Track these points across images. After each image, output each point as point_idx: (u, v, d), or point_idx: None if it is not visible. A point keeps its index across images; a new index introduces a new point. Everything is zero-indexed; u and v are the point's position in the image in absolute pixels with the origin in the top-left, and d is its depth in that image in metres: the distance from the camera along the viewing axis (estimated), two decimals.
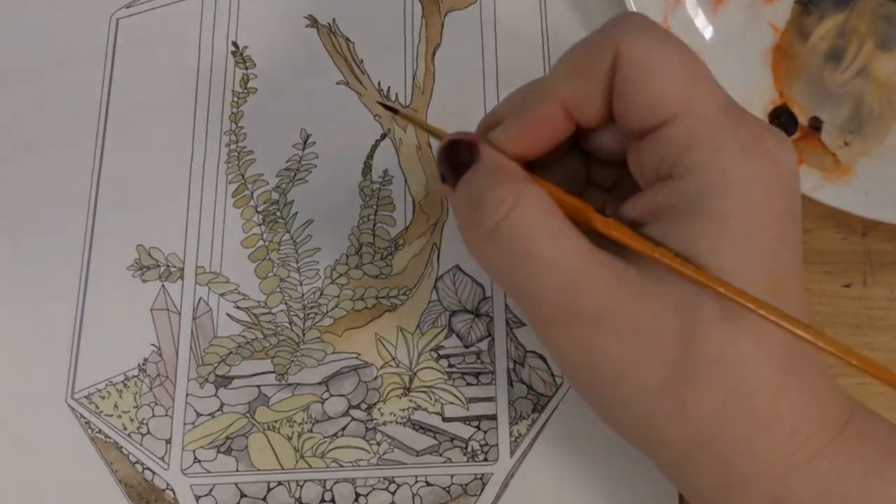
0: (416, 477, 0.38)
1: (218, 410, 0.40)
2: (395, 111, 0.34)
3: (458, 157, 0.31)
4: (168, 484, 0.39)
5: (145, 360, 0.41)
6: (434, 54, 0.45)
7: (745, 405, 0.27)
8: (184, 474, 0.39)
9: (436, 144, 0.42)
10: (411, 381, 0.40)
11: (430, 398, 0.39)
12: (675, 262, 0.27)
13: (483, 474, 0.38)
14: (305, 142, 0.43)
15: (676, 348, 0.27)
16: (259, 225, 0.43)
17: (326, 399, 0.40)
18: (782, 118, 0.42)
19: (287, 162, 0.43)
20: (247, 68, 0.45)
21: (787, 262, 0.28)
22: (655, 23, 0.29)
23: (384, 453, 0.39)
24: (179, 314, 0.41)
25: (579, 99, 0.29)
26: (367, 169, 0.43)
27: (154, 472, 0.39)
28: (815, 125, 0.42)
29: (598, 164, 0.34)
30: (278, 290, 0.41)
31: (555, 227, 0.28)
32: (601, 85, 0.29)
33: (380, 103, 0.41)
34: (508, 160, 0.31)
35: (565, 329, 0.29)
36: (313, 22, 0.46)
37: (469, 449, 0.39)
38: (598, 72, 0.29)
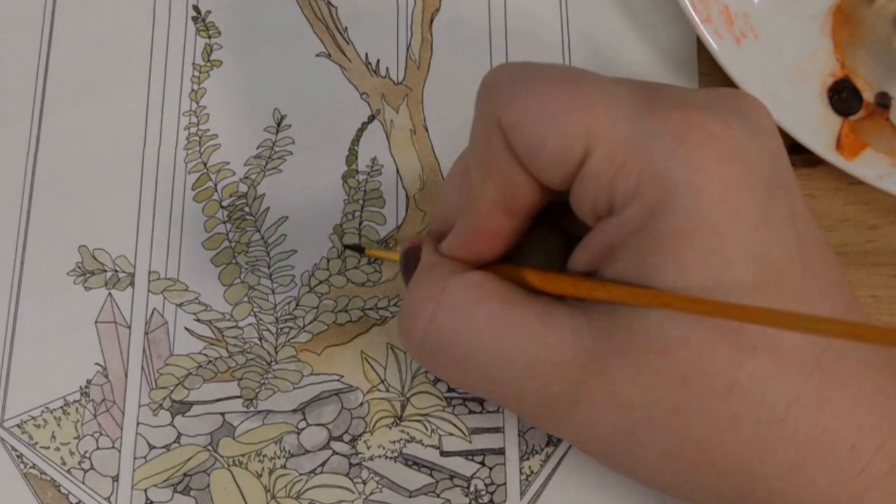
0: None
1: (174, 442, 0.40)
2: (360, 251, 0.39)
3: (412, 263, 0.34)
4: None
5: (88, 382, 0.40)
6: (432, 21, 0.44)
7: (782, 433, 0.28)
8: None
9: (434, 129, 0.42)
10: (403, 408, 0.40)
11: (426, 428, 0.39)
12: (629, 293, 0.28)
13: None
14: (279, 124, 0.43)
15: (679, 394, 0.28)
16: (224, 223, 0.42)
17: (303, 429, 0.40)
18: (844, 93, 0.42)
19: (257, 148, 0.43)
20: (210, 37, 0.45)
21: (780, 246, 0.28)
22: (517, 65, 0.30)
23: (371, 494, 0.39)
24: (129, 328, 0.41)
25: (506, 193, 0.30)
26: (352, 157, 0.43)
27: None
28: (883, 102, 0.42)
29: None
30: (246, 299, 0.41)
31: (489, 312, 0.30)
32: (513, 166, 0.29)
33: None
34: (439, 257, 0.32)
35: (558, 417, 0.30)
36: None
37: (472, 489, 0.39)
38: (500, 155, 0.29)
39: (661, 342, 0.28)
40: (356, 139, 0.43)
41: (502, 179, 0.30)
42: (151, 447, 0.40)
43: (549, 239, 0.34)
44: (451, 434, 0.39)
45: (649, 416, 0.28)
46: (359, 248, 0.39)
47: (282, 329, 0.41)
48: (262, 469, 0.39)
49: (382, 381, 0.40)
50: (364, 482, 0.39)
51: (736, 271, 0.27)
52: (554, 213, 0.33)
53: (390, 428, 0.39)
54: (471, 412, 0.39)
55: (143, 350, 0.41)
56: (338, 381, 0.40)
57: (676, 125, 0.27)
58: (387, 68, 0.44)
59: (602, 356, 0.29)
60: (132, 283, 0.42)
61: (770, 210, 0.28)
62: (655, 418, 0.28)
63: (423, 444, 0.39)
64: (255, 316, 0.41)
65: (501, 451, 0.39)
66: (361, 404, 0.40)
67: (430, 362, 0.31)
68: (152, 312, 0.41)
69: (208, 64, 0.45)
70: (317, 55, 0.44)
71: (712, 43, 0.40)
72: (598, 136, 0.27)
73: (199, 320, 0.41)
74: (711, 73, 0.43)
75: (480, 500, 0.38)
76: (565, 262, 0.34)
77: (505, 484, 0.39)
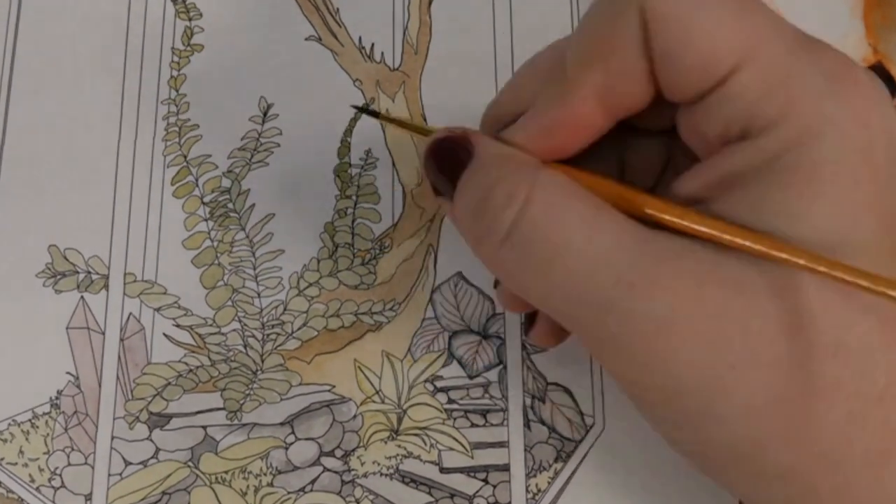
0: None
1: (152, 458, 0.40)
2: (374, 114, 0.36)
3: (450, 159, 0.31)
4: None
5: (59, 392, 0.40)
6: (431, 2, 0.44)
7: (877, 413, 0.27)
8: None
9: (433, 119, 0.42)
10: (400, 421, 0.40)
11: (425, 443, 0.39)
12: (746, 238, 0.27)
13: None
14: (265, 114, 0.43)
15: (780, 344, 0.27)
16: (206, 220, 0.42)
17: (291, 444, 0.39)
18: None
19: (242, 140, 0.43)
20: (190, 19, 0.45)
21: None
22: None
23: None
24: (103, 334, 0.41)
25: (614, 85, 0.29)
26: (344, 149, 0.43)
27: None
28: None
29: (640, 140, 0.34)
30: (230, 303, 0.41)
31: (586, 211, 0.28)
32: (637, 61, 0.28)
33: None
34: (513, 148, 0.31)
35: (627, 340, 0.28)
36: None
37: None
38: (627, 45, 0.28)
39: (771, 284, 0.27)
40: (349, 130, 0.43)
41: (617, 67, 0.29)
42: (127, 463, 0.39)
43: (602, 140, 0.33)
44: (451, 449, 0.39)
45: (747, 362, 0.27)
46: (373, 113, 0.37)
47: (268, 335, 0.41)
48: (247, 487, 0.39)
49: (377, 392, 0.40)
50: (357, 501, 0.39)
51: (862, 226, 0.27)
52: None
53: (386, 442, 0.39)
54: (473, 425, 0.39)
55: (119, 358, 0.41)
56: (329, 391, 0.40)
57: (832, 64, 0.27)
58: (382, 53, 0.44)
59: (698, 286, 0.28)
60: (106, 286, 0.41)
61: (894, 175, 0.28)
62: (754, 368, 0.27)
63: (421, 460, 0.39)
64: (240, 321, 0.41)
65: (506, 468, 0.39)
66: (354, 417, 0.40)
67: (511, 264, 0.30)
68: (128, 317, 0.41)
69: (188, 48, 0.44)
70: (306, 39, 0.44)
71: None
72: (755, 48, 0.27)
73: (178, 326, 0.41)
74: None
75: None
76: (619, 170, 0.34)
77: (510, 502, 0.39)
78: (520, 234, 0.29)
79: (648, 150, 0.34)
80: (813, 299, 0.27)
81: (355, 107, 0.40)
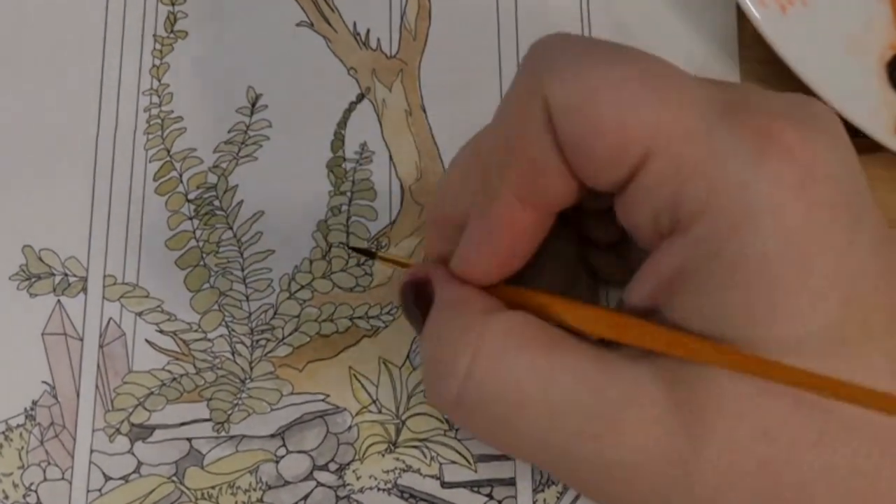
0: None
1: (134, 472, 0.40)
2: (370, 255, 0.38)
3: (421, 294, 0.33)
4: None
5: (34, 403, 0.40)
6: (430, 9, 0.44)
7: (877, 486, 0.27)
8: None
9: (432, 109, 0.42)
10: (399, 432, 0.40)
11: (425, 456, 0.39)
12: (690, 349, 0.28)
13: None
14: (254, 105, 0.43)
15: (763, 448, 0.28)
16: (190, 219, 0.42)
17: (283, 457, 0.39)
18: None
19: (229, 133, 0.43)
20: (173, 4, 0.45)
21: (867, 277, 0.28)
22: (577, 38, 0.29)
23: None
24: (81, 340, 0.41)
25: (534, 183, 0.29)
26: (338, 142, 0.43)
27: None
28: None
29: (597, 225, 0.35)
30: (217, 307, 0.41)
31: (538, 358, 0.29)
32: (549, 156, 0.29)
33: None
34: (467, 289, 0.32)
35: (599, 482, 0.30)
36: None
37: None
38: (536, 140, 0.28)
39: (734, 400, 0.27)
40: (343, 122, 0.43)
41: (532, 167, 0.29)
42: (107, 478, 0.39)
43: (562, 248, 0.34)
44: (453, 462, 0.39)
45: (728, 479, 0.28)
46: (369, 253, 0.38)
47: (258, 341, 0.41)
48: (236, 503, 0.39)
49: (374, 402, 0.40)
50: None
51: (823, 311, 0.27)
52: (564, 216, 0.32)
53: (383, 455, 0.39)
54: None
55: (98, 366, 0.41)
56: (323, 401, 0.40)
57: (756, 135, 0.27)
58: (378, 39, 0.44)
59: (670, 415, 0.28)
60: (84, 289, 0.42)
61: (855, 235, 0.27)
62: (737, 478, 0.28)
63: (421, 474, 0.39)
64: (227, 326, 0.41)
65: (512, 482, 0.39)
66: (350, 428, 0.40)
67: (466, 423, 0.31)
68: (108, 322, 0.41)
69: (171, 35, 0.45)
70: (297, 25, 0.44)
71: (754, 11, 0.40)
72: (665, 132, 0.27)
73: (161, 331, 0.41)
74: (753, 44, 0.43)
75: None
76: (578, 274, 0.34)
77: None
78: (469, 398, 0.30)
79: (606, 234, 0.35)
80: (783, 399, 0.27)
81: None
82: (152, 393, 0.40)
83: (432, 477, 0.39)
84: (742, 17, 0.43)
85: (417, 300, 0.33)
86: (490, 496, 0.39)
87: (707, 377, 0.28)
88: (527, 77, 0.29)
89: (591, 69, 0.27)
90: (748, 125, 0.27)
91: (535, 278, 0.33)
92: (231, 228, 0.42)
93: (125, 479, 0.39)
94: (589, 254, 0.36)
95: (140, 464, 0.40)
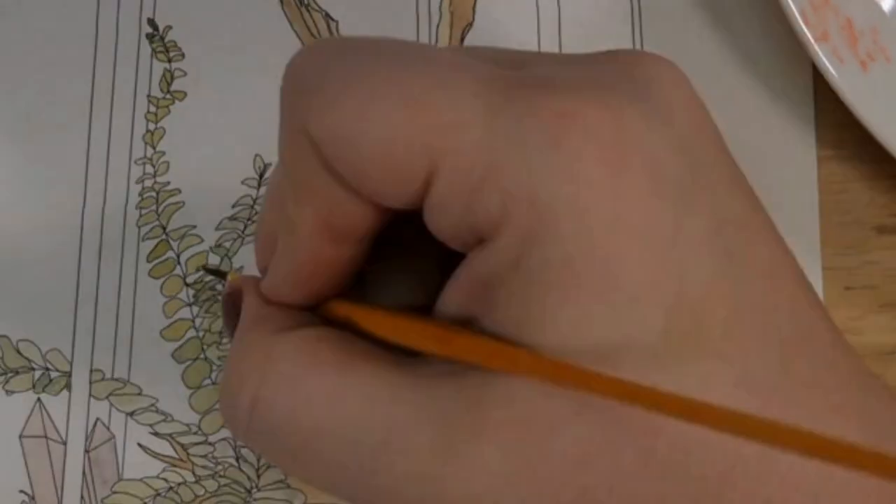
0: None
1: None
2: (221, 275, 0.39)
3: (238, 310, 0.34)
4: None
5: None
6: (463, 39, 0.46)
7: None
8: None
9: None
10: None
11: None
12: (485, 352, 0.28)
13: None
14: (262, 175, 0.45)
15: (578, 478, 0.28)
16: (189, 305, 0.44)
17: None
18: None
19: (233, 207, 0.45)
20: (170, 61, 0.46)
21: (700, 270, 0.28)
22: (331, 47, 0.30)
23: None
24: (65, 444, 0.42)
25: (329, 215, 0.30)
26: None
27: None
28: None
29: None
30: (219, 406, 0.41)
31: (324, 382, 0.30)
32: (332, 187, 0.29)
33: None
34: (272, 310, 0.33)
35: None
36: None
37: None
38: (313, 174, 0.29)
39: (547, 417, 0.28)
40: None
41: (322, 202, 0.30)
42: None
43: (414, 258, 0.34)
44: None
45: None
46: (219, 273, 0.40)
47: None
48: None
49: None
50: None
51: (641, 316, 0.27)
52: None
53: None
54: None
55: (83, 473, 0.42)
56: None
57: (546, 119, 0.26)
58: None
59: (468, 436, 0.28)
60: (68, 386, 0.43)
61: (684, 222, 0.27)
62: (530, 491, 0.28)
63: None
64: None
65: None
66: None
67: (259, 448, 0.32)
68: (95, 424, 0.42)
69: (168, 96, 0.46)
70: None
71: (829, 67, 0.42)
72: (442, 149, 0.27)
73: (156, 434, 0.42)
74: (832, 105, 0.44)
75: None
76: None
77: None
78: (258, 424, 0.30)
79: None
80: (602, 421, 0.27)
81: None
82: None
83: None
84: (817, 73, 0.44)
85: (234, 313, 0.34)
86: None
87: (515, 393, 0.28)
88: (286, 111, 0.30)
89: (345, 92, 0.28)
90: (540, 109, 0.27)
91: (383, 292, 0.34)
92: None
93: None
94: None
95: None
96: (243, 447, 0.42)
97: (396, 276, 0.34)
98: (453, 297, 0.30)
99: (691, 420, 0.25)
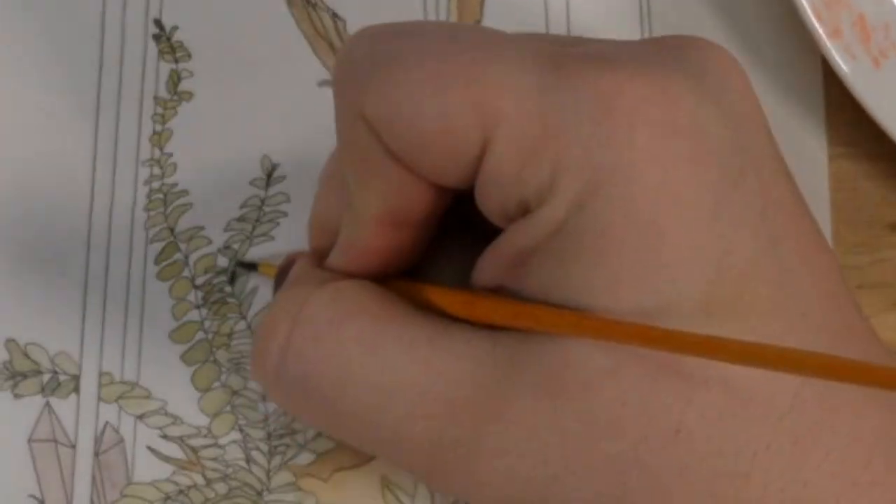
0: None
1: None
2: (252, 268, 0.41)
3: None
4: None
5: None
6: None
7: (748, 491, 0.28)
8: None
9: None
10: None
11: None
12: (535, 316, 0.29)
13: None
14: (270, 175, 0.45)
15: (609, 442, 0.28)
16: (198, 307, 0.43)
17: None
18: None
19: (241, 208, 0.44)
20: (177, 61, 0.46)
21: (743, 245, 0.28)
22: (380, 32, 0.31)
23: None
24: (74, 447, 0.42)
25: (393, 199, 0.31)
26: None
27: None
28: None
29: None
30: (229, 409, 0.42)
31: (361, 331, 0.31)
32: (393, 169, 0.30)
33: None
34: (317, 270, 0.34)
35: (452, 470, 0.30)
36: None
37: None
38: (374, 157, 0.30)
39: (583, 374, 0.28)
40: None
41: (385, 186, 0.31)
42: None
43: (464, 242, 0.35)
44: None
45: (571, 470, 0.29)
46: (251, 266, 0.41)
47: (276, 448, 0.42)
48: None
49: None
50: None
51: (682, 283, 0.27)
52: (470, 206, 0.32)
53: None
54: None
55: (93, 477, 0.41)
56: None
57: (598, 91, 0.27)
58: None
59: (508, 392, 0.29)
60: (77, 389, 0.42)
61: (729, 197, 0.28)
62: (579, 474, 0.29)
63: None
64: (241, 430, 0.42)
65: None
66: None
67: (287, 400, 0.33)
68: (104, 427, 0.42)
69: (175, 97, 0.46)
70: (319, 84, 0.46)
71: (841, 64, 0.42)
72: (495, 118, 0.28)
73: (166, 437, 0.42)
74: (843, 102, 0.44)
75: None
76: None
77: None
78: (287, 370, 0.31)
79: None
80: (634, 385, 0.28)
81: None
82: None
83: None
84: (828, 69, 0.44)
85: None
86: None
87: (556, 355, 0.28)
88: (342, 94, 0.31)
89: (393, 66, 0.29)
90: (589, 79, 0.28)
91: (430, 272, 0.35)
92: (245, 318, 0.43)
93: None
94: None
95: None
96: (254, 449, 0.42)
97: (445, 258, 0.35)
98: (488, 267, 0.31)
99: (748, 361, 0.25)
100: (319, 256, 0.36)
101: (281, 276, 0.36)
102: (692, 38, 0.31)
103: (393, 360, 0.30)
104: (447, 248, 0.35)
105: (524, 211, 0.29)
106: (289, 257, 0.36)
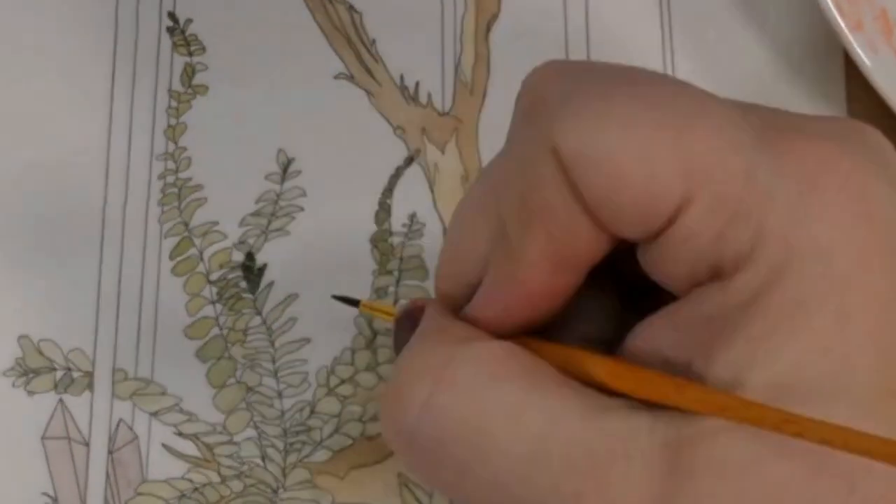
0: None
1: None
2: (353, 303, 0.39)
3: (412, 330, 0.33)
4: None
5: None
6: (488, 31, 0.46)
7: None
8: None
9: None
10: None
11: None
12: (712, 403, 0.27)
13: None
14: (285, 170, 0.44)
15: None
16: (213, 303, 0.43)
17: None
18: None
19: (257, 203, 0.44)
20: (191, 54, 0.46)
21: None
22: (577, 66, 0.30)
23: None
24: (87, 445, 0.42)
25: (560, 243, 0.30)
26: (383, 213, 0.44)
27: None
28: None
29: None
30: (244, 406, 0.42)
31: (511, 396, 0.29)
32: (572, 211, 0.28)
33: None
34: (456, 322, 0.32)
35: None
36: None
37: None
38: (555, 196, 0.28)
39: (744, 456, 0.27)
40: (388, 190, 0.44)
41: (557, 227, 0.29)
42: None
43: (600, 298, 0.34)
44: None
45: None
46: (352, 301, 0.39)
47: (292, 445, 0.41)
48: None
49: None
50: None
51: (858, 367, 0.27)
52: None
53: None
54: None
55: (107, 475, 0.41)
56: None
57: (805, 163, 0.27)
58: (429, 94, 0.45)
59: (668, 474, 0.28)
60: (90, 386, 0.42)
61: None
62: None
63: None
64: (257, 427, 0.42)
65: None
66: None
67: (421, 462, 0.31)
68: (118, 424, 0.42)
69: (189, 90, 0.46)
70: (335, 77, 0.46)
71: (864, 58, 0.42)
72: (703, 173, 0.27)
73: (180, 434, 0.42)
74: (866, 97, 0.44)
75: None
76: (618, 328, 0.34)
77: None
78: (425, 430, 0.29)
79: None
80: (795, 471, 0.27)
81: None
82: None
83: None
84: (850, 62, 0.44)
85: (410, 333, 0.33)
86: None
87: (712, 434, 0.27)
88: (528, 126, 0.29)
89: (603, 110, 0.27)
90: (794, 151, 0.27)
91: (565, 330, 0.33)
92: (260, 314, 0.43)
93: None
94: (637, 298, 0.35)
95: None
96: (270, 447, 0.42)
97: (580, 307, 0.33)
98: (664, 336, 0.29)
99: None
100: (451, 304, 0.34)
101: (405, 322, 0.34)
102: (863, 124, 0.30)
103: (537, 431, 0.28)
104: (582, 301, 0.33)
105: (715, 276, 0.28)
106: (414, 303, 0.34)
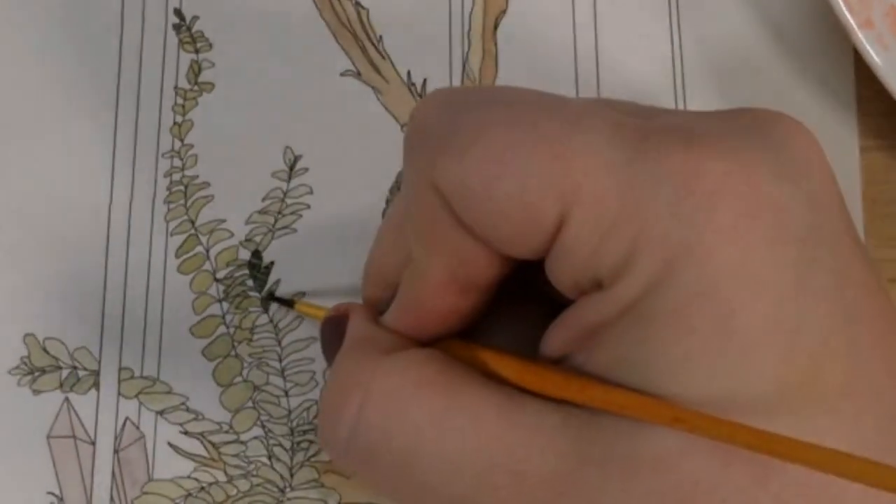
0: None
1: None
2: (288, 304, 0.41)
3: (338, 334, 0.35)
4: None
5: None
6: (496, 27, 0.46)
7: None
8: None
9: None
10: None
11: None
12: (633, 403, 0.28)
13: None
14: (292, 167, 0.44)
15: None
16: (219, 301, 0.43)
17: None
18: None
19: (263, 200, 0.44)
20: (198, 51, 0.46)
21: (817, 325, 0.27)
22: (453, 95, 0.31)
23: None
24: (93, 444, 0.42)
25: (455, 270, 0.31)
26: None
27: None
28: None
29: None
30: (251, 404, 0.42)
31: (431, 403, 0.30)
32: (463, 238, 0.30)
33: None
34: (378, 329, 0.34)
35: None
36: None
37: None
38: (443, 226, 0.30)
39: (654, 451, 0.28)
40: (395, 187, 0.44)
41: (451, 254, 0.31)
42: None
43: (524, 307, 0.35)
44: None
45: None
46: (287, 302, 0.41)
47: (299, 444, 0.42)
48: None
49: None
50: None
51: (754, 367, 0.27)
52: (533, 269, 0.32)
53: None
54: None
55: (113, 474, 0.41)
56: None
57: (680, 169, 0.27)
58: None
59: (578, 468, 0.29)
60: (96, 385, 0.42)
61: (805, 277, 0.27)
62: None
63: None
64: (263, 426, 0.42)
65: None
66: None
67: (363, 473, 0.32)
68: (124, 423, 0.42)
69: (196, 88, 0.46)
70: (342, 74, 0.46)
71: (873, 55, 0.42)
72: (576, 194, 0.28)
73: (187, 433, 0.42)
74: (875, 94, 0.44)
75: None
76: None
77: None
78: (359, 442, 0.31)
79: None
80: (707, 466, 0.27)
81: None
82: None
83: None
84: (860, 60, 0.44)
85: (336, 338, 0.34)
86: None
87: (627, 432, 0.28)
88: (413, 161, 0.31)
89: (469, 136, 0.29)
90: (672, 156, 0.27)
91: (491, 337, 0.34)
92: (266, 312, 0.43)
93: None
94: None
95: None
96: (277, 445, 0.42)
97: (503, 322, 0.35)
98: (557, 339, 0.31)
99: (813, 465, 0.25)
100: (374, 309, 0.36)
101: (330, 327, 0.36)
102: (772, 112, 0.30)
103: (462, 433, 0.30)
104: (504, 310, 0.34)
105: (597, 286, 0.29)
106: (338, 308, 0.36)
